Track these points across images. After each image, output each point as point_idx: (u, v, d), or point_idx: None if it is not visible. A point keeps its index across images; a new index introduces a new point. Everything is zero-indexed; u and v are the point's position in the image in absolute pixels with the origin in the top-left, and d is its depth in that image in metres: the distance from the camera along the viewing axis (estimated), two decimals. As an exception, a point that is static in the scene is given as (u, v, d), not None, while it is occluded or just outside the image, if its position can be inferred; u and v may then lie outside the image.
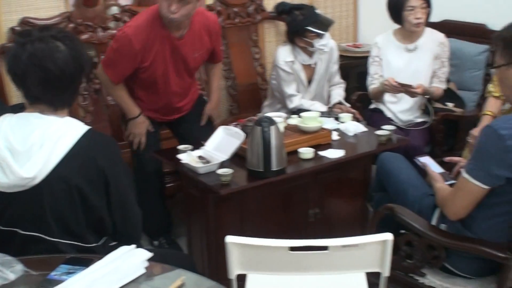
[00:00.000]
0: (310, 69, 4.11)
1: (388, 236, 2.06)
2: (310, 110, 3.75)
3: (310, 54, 4.05)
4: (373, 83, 4.16)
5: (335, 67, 4.22)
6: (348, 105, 4.12)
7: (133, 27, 3.34)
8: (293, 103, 4.02)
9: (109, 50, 3.48)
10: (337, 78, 4.26)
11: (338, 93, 4.20)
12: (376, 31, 4.39)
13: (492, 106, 3.64)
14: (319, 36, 3.92)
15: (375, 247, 2.09)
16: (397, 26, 4.18)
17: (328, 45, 4.02)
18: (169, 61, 3.45)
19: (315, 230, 3.33)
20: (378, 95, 4.15)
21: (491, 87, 3.70)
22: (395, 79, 3.89)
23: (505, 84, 2.51)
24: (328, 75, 4.20)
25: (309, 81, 4.13)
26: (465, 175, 2.44)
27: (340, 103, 4.10)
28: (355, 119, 3.79)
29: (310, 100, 4.08)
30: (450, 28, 4.41)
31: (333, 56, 4.17)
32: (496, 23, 4.24)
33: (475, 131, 3.33)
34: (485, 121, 3.48)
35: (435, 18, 4.30)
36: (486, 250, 2.48)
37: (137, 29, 3.32)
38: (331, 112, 3.88)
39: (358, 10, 5.42)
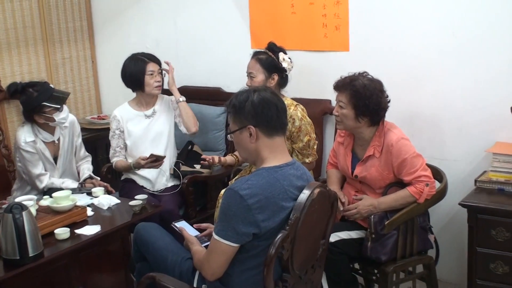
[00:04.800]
0: (54, 146, 4.07)
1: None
2: (61, 188, 3.73)
3: (52, 130, 4.02)
4: (115, 156, 4.25)
5: (79, 140, 4.23)
6: (98, 178, 4.15)
7: None
8: (42, 183, 3.95)
9: None
10: (83, 152, 4.28)
11: (86, 167, 4.22)
12: (120, 102, 4.46)
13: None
14: (58, 109, 3.90)
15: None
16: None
17: (67, 118, 4.00)
18: None
19: (82, 308, 3.30)
20: (124, 169, 4.24)
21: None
22: (138, 149, 4.02)
23: (241, 147, 2.71)
24: (74, 149, 4.19)
25: (55, 158, 4.08)
26: (215, 236, 2.58)
27: (90, 177, 4.12)
28: (108, 191, 3.84)
29: (60, 178, 4.04)
30: (189, 93, 4.65)
31: (75, 130, 4.18)
32: (230, 86, 4.59)
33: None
34: None
35: (174, 85, 4.50)
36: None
37: None
38: (83, 188, 3.90)
39: (99, 83, 5.50)
